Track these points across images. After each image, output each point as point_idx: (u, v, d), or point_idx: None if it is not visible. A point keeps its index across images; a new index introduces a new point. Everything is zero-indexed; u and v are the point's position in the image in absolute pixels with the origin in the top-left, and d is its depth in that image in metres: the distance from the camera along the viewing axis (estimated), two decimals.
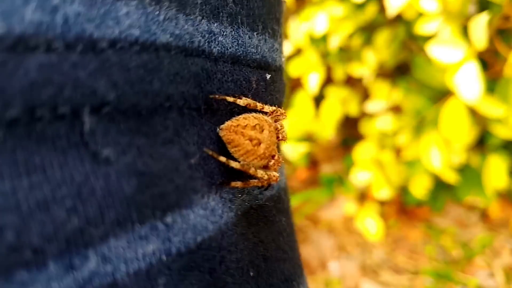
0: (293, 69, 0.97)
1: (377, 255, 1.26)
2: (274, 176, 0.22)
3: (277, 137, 0.23)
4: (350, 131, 1.40)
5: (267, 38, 0.23)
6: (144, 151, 0.17)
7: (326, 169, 1.45)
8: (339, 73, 1.02)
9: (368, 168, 0.98)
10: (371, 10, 0.91)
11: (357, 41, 0.95)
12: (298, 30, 0.89)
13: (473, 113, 0.77)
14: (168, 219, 0.17)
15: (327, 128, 0.96)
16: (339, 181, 1.19)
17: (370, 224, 1.04)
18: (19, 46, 0.14)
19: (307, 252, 1.28)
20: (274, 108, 0.23)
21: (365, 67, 0.95)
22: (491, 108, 0.68)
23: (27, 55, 0.14)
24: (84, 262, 0.15)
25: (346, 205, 1.13)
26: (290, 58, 0.96)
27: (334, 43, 0.88)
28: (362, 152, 1.00)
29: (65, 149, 0.15)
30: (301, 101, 0.95)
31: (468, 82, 0.63)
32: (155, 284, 0.16)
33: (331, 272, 1.22)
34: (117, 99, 0.16)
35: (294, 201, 1.33)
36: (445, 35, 0.68)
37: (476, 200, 1.12)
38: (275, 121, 0.23)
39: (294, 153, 1.06)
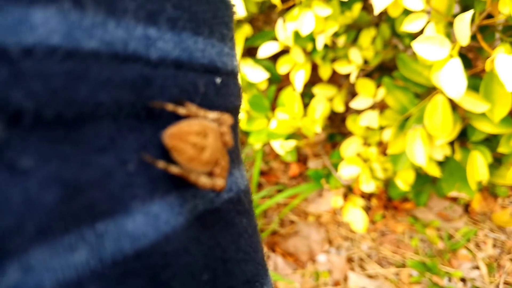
0: (280, 68, 0.97)
1: (364, 248, 1.27)
2: (219, 182, 0.21)
3: (223, 143, 0.22)
4: (336, 127, 1.41)
5: (215, 42, 0.23)
6: (71, 160, 0.16)
7: (313, 165, 1.46)
8: (325, 71, 1.02)
9: (354, 163, 0.99)
10: (356, 9, 0.91)
11: (342, 39, 0.96)
12: (285, 30, 0.89)
13: (456, 108, 0.77)
14: (100, 228, 0.16)
15: (314, 124, 0.96)
16: (326, 176, 1.19)
17: (356, 218, 1.05)
18: None
19: (296, 245, 1.28)
20: (218, 114, 0.22)
21: (351, 65, 0.96)
22: (475, 104, 0.69)
23: None
24: (5, 273, 0.14)
25: (333, 199, 1.14)
26: (277, 56, 0.97)
27: (320, 41, 0.88)
28: (348, 147, 1.01)
29: None
30: (289, 98, 0.95)
31: (452, 79, 0.63)
32: None
33: (319, 265, 1.23)
34: (36, 109, 0.15)
35: (284, 196, 1.33)
36: (430, 33, 0.68)
37: (459, 194, 1.13)
38: (220, 126, 0.22)
39: (282, 149, 1.07)
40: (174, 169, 0.20)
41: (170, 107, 0.20)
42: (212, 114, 0.22)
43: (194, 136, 0.20)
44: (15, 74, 0.14)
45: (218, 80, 0.23)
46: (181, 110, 0.20)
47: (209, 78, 0.22)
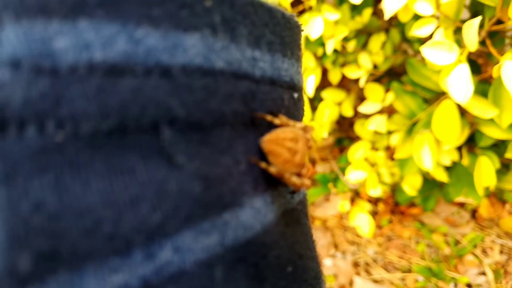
0: None
1: (370, 253, 1.26)
2: (306, 182, 0.24)
3: (308, 148, 0.25)
4: (344, 131, 1.41)
5: (294, 62, 0.26)
6: (206, 159, 0.19)
7: (321, 169, 1.46)
8: (335, 75, 1.02)
9: (362, 168, 0.99)
10: (366, 14, 0.91)
11: (352, 44, 0.96)
12: None
13: (464, 113, 0.77)
14: (225, 217, 0.19)
15: (323, 128, 0.96)
16: (334, 180, 1.19)
17: (363, 222, 1.04)
18: (113, 72, 0.16)
19: None
20: (303, 124, 0.25)
21: (360, 70, 0.96)
22: (483, 109, 0.68)
23: (118, 79, 0.16)
24: (161, 251, 0.17)
25: (341, 204, 1.13)
26: None
27: (330, 46, 0.88)
28: (356, 152, 1.01)
29: (148, 156, 0.17)
30: None
31: (459, 84, 0.63)
32: (213, 272, 0.18)
33: (325, 269, 1.22)
34: (186, 115, 0.18)
35: None
36: (440, 38, 0.68)
37: (467, 199, 1.13)
38: (306, 133, 0.25)
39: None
40: (273, 169, 0.23)
41: (268, 117, 0.23)
42: (299, 124, 0.25)
43: (288, 142, 0.23)
44: (174, 88, 0.18)
45: (296, 95, 0.27)
46: (277, 120, 0.24)
47: (290, 93, 0.26)
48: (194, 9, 0.19)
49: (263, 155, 0.23)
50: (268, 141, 0.23)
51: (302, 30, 0.28)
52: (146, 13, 0.18)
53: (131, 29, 0.17)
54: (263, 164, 0.23)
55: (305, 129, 0.25)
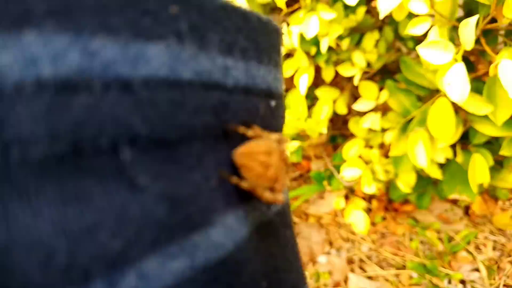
0: (285, 72, 0.97)
1: (364, 250, 1.26)
2: (279, 197, 0.23)
3: (283, 161, 0.24)
4: (337, 129, 1.41)
5: (271, 68, 0.25)
6: (173, 178, 0.18)
7: (315, 167, 1.46)
8: (328, 74, 1.02)
9: (356, 165, 0.99)
10: (360, 12, 0.91)
11: (346, 43, 0.96)
12: (289, 35, 0.89)
13: (458, 111, 0.77)
14: (194, 238, 0.18)
15: (319, 125, 0.96)
16: (328, 178, 1.19)
17: (358, 219, 1.04)
18: (65, 89, 0.15)
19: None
20: (278, 136, 0.24)
21: (354, 68, 0.96)
22: (478, 106, 0.68)
23: (72, 97, 0.15)
24: (124, 280, 0.16)
25: (336, 201, 1.13)
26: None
27: (325, 45, 0.88)
28: (351, 149, 1.01)
29: (106, 179, 0.16)
30: (295, 100, 0.95)
31: (456, 83, 0.63)
32: None
33: (320, 266, 1.22)
34: (149, 132, 0.17)
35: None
36: (434, 37, 0.68)
37: (460, 196, 1.13)
38: (280, 145, 0.24)
39: (288, 150, 1.07)
40: (244, 184, 0.22)
41: (241, 129, 0.22)
42: (273, 135, 0.24)
43: (261, 155, 0.22)
44: (136, 103, 0.16)
45: (273, 103, 0.26)
46: (250, 132, 0.23)
47: (267, 102, 0.25)
48: (158, 17, 0.17)
49: (235, 168, 0.22)
50: (240, 154, 0.22)
51: (282, 34, 0.27)
52: (103, 22, 0.16)
53: (86, 40, 0.15)
54: (234, 179, 0.22)
55: (280, 141, 0.24)
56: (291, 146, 1.05)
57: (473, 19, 0.58)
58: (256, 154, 0.22)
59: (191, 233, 0.18)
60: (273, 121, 0.26)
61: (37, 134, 0.14)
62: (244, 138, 0.23)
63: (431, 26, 0.69)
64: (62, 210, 0.15)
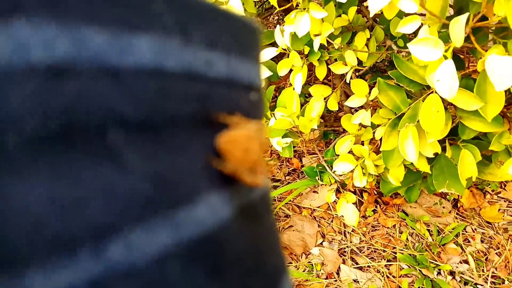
0: (280, 70, 0.97)
1: (356, 242, 1.27)
2: (259, 180, 0.24)
3: (261, 147, 0.25)
4: (329, 125, 1.41)
5: (251, 63, 0.26)
6: (159, 158, 0.19)
7: (308, 162, 1.46)
8: (321, 72, 1.02)
9: (348, 160, 0.99)
10: (351, 12, 0.91)
11: (337, 42, 0.96)
12: (282, 35, 0.90)
13: (447, 107, 0.77)
14: (179, 215, 0.19)
15: (312, 122, 0.96)
16: (320, 172, 1.19)
17: (349, 212, 1.05)
18: (55, 74, 0.15)
19: (291, 239, 1.28)
20: (258, 124, 0.25)
21: (347, 66, 0.96)
22: (468, 102, 0.68)
23: (62, 81, 0.15)
24: (110, 249, 0.16)
25: (327, 195, 1.14)
26: (277, 59, 0.97)
27: (317, 43, 0.88)
28: (342, 145, 1.01)
29: (95, 158, 0.16)
30: (289, 98, 0.95)
31: (445, 80, 0.63)
32: (167, 269, 0.18)
33: (314, 257, 1.23)
34: (136, 116, 0.18)
35: (280, 192, 1.33)
36: (425, 35, 0.68)
37: (449, 190, 1.14)
38: (258, 133, 0.25)
39: (279, 145, 1.07)
40: (225, 168, 0.23)
41: (224, 117, 0.23)
42: (253, 124, 0.25)
43: (242, 142, 0.23)
44: (124, 90, 0.17)
45: (253, 95, 0.26)
46: (232, 120, 0.23)
47: (247, 94, 0.26)
48: (145, 10, 0.18)
49: (219, 154, 0.23)
50: (223, 140, 0.23)
51: (261, 33, 0.28)
52: (93, 12, 0.17)
53: (75, 29, 0.16)
54: (216, 162, 0.23)
55: (259, 129, 0.25)
56: (283, 142, 1.05)
57: (464, 16, 0.59)
58: (237, 140, 0.23)
59: (176, 209, 0.19)
60: (252, 111, 0.27)
61: (30, 114, 0.15)
62: (227, 126, 0.24)
63: (422, 25, 0.69)
64: (53, 185, 0.15)
